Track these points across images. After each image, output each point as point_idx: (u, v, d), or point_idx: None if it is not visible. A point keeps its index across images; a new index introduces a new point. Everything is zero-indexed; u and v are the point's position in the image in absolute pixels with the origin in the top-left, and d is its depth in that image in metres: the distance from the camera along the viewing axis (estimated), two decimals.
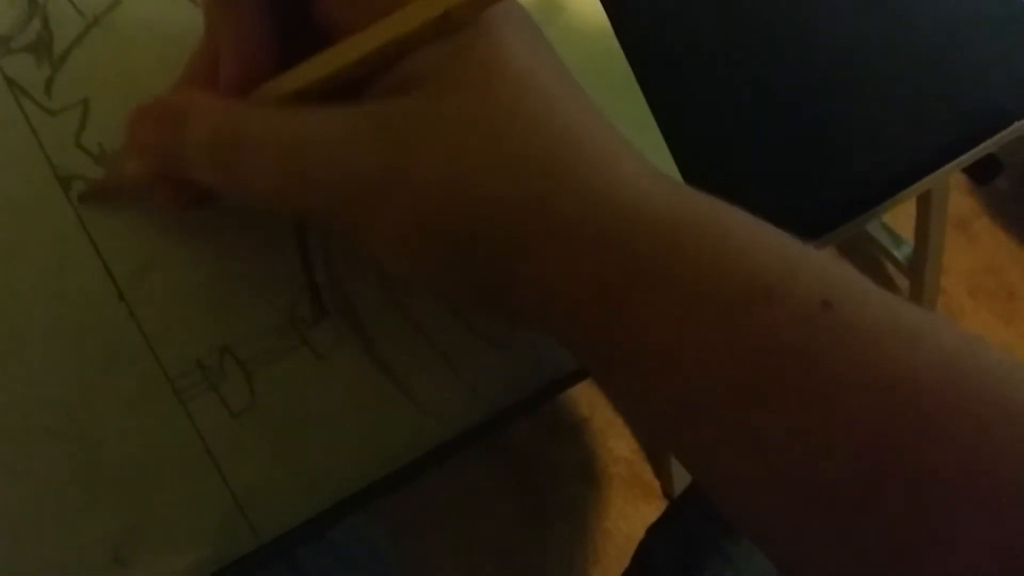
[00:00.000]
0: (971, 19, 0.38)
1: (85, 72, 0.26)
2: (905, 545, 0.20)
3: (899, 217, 1.16)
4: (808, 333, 0.21)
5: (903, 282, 1.18)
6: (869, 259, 1.22)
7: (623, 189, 0.22)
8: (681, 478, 1.06)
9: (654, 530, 0.48)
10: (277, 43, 0.24)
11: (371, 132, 0.22)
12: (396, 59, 0.22)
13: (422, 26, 0.21)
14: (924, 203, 1.05)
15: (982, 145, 0.37)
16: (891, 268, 1.21)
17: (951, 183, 1.14)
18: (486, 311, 0.26)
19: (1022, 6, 0.38)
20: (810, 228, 0.35)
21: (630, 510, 1.08)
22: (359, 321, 0.28)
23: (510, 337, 0.30)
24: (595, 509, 1.08)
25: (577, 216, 0.22)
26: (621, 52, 0.32)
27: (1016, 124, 0.37)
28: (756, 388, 0.21)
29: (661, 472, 1.09)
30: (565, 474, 1.10)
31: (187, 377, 0.27)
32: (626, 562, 0.50)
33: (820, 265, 0.22)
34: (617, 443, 1.12)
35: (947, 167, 0.37)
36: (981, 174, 1.19)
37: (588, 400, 1.13)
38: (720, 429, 0.22)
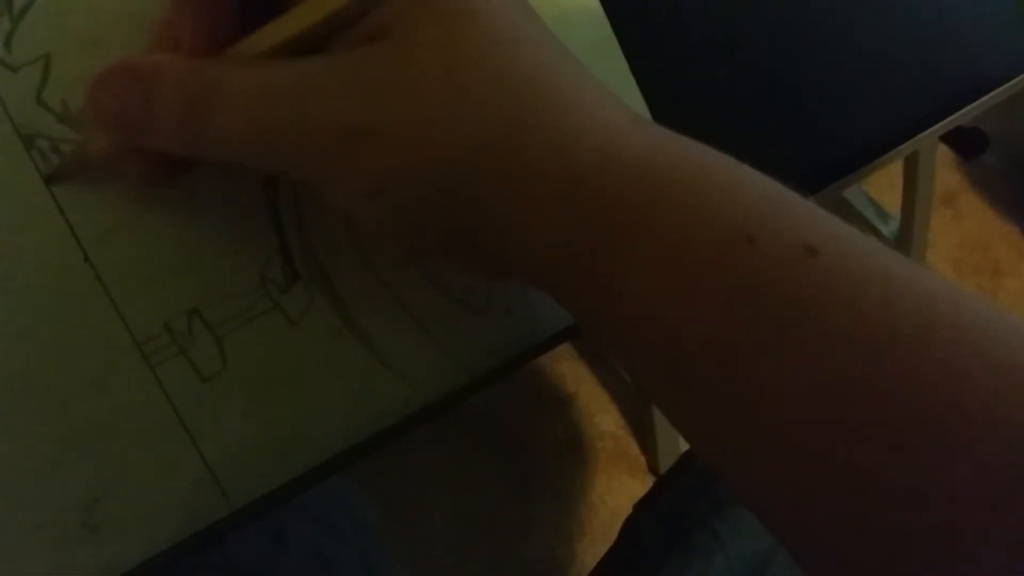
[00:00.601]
0: None
1: (46, 26, 0.26)
2: (884, 496, 0.20)
3: (885, 192, 1.17)
4: (791, 277, 0.21)
5: None
6: None
7: (597, 133, 0.22)
8: (667, 453, 1.07)
9: (641, 505, 0.48)
10: (240, 5, 0.23)
11: (340, 83, 0.22)
12: (362, 14, 0.22)
13: None
14: (910, 178, 1.05)
15: (957, 113, 0.37)
16: None
17: (938, 158, 1.14)
18: (459, 265, 0.26)
19: None
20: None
21: (616, 485, 1.08)
22: (332, 286, 0.28)
23: (486, 302, 0.29)
24: (581, 484, 1.08)
25: (549, 164, 0.22)
26: (604, 16, 0.31)
27: (992, 92, 0.37)
28: (739, 331, 0.21)
29: (647, 447, 1.09)
30: (551, 449, 1.10)
31: (155, 341, 0.26)
32: (612, 536, 0.50)
33: (804, 210, 0.22)
34: (603, 418, 1.12)
35: (923, 135, 0.37)
36: (968, 149, 1.19)
37: (574, 376, 1.13)
38: (703, 374, 0.22)
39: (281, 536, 0.46)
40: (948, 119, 0.38)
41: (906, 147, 0.37)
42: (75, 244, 0.26)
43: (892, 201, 1.12)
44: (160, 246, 0.26)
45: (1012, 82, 0.39)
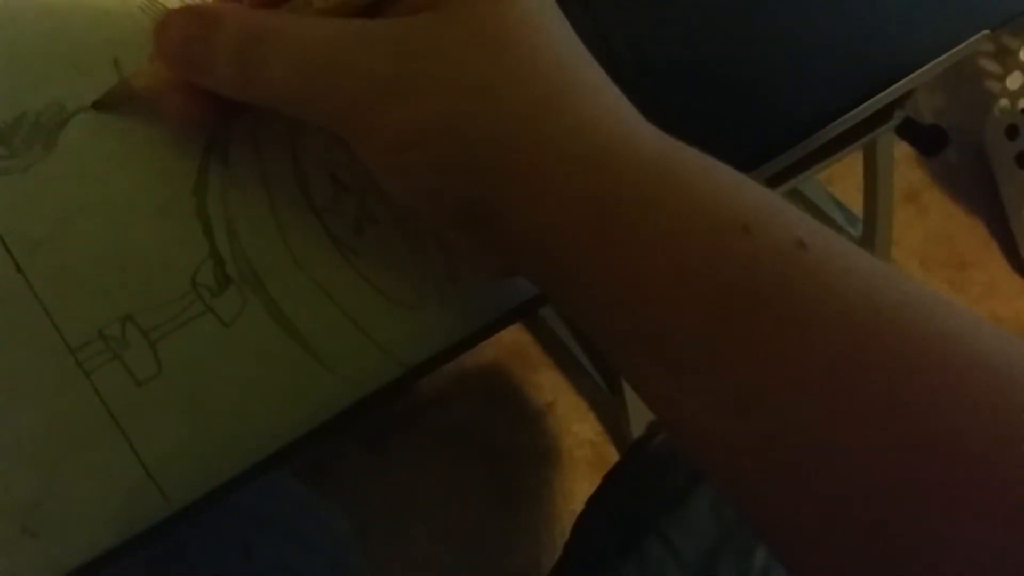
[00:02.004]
0: None
1: None
2: (866, 482, 0.21)
3: (851, 192, 1.18)
4: (784, 266, 0.22)
5: None
6: None
7: (613, 119, 0.24)
8: None
9: (591, 502, 0.49)
10: None
11: (383, 41, 0.24)
12: None
13: None
14: (870, 175, 1.06)
15: (876, 98, 0.38)
16: None
17: (899, 156, 1.16)
18: (467, 243, 0.27)
19: None
20: None
21: None
22: (264, 287, 0.29)
23: (418, 296, 0.30)
24: (561, 492, 1.08)
25: (568, 141, 0.23)
26: None
27: (910, 76, 0.38)
28: (730, 313, 0.22)
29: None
30: (531, 459, 1.10)
31: (89, 347, 0.27)
32: None
33: (795, 210, 0.24)
34: (581, 427, 1.12)
35: (841, 120, 0.38)
36: (928, 146, 1.21)
37: (552, 385, 1.14)
38: (693, 356, 0.23)
39: (248, 550, 0.47)
40: (863, 105, 0.39)
41: (825, 132, 0.38)
42: (6, 254, 0.26)
43: (859, 203, 1.14)
44: (91, 254, 0.27)
45: (934, 61, 0.40)
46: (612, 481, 0.51)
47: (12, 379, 0.26)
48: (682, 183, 0.23)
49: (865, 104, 0.38)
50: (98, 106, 0.28)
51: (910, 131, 1.16)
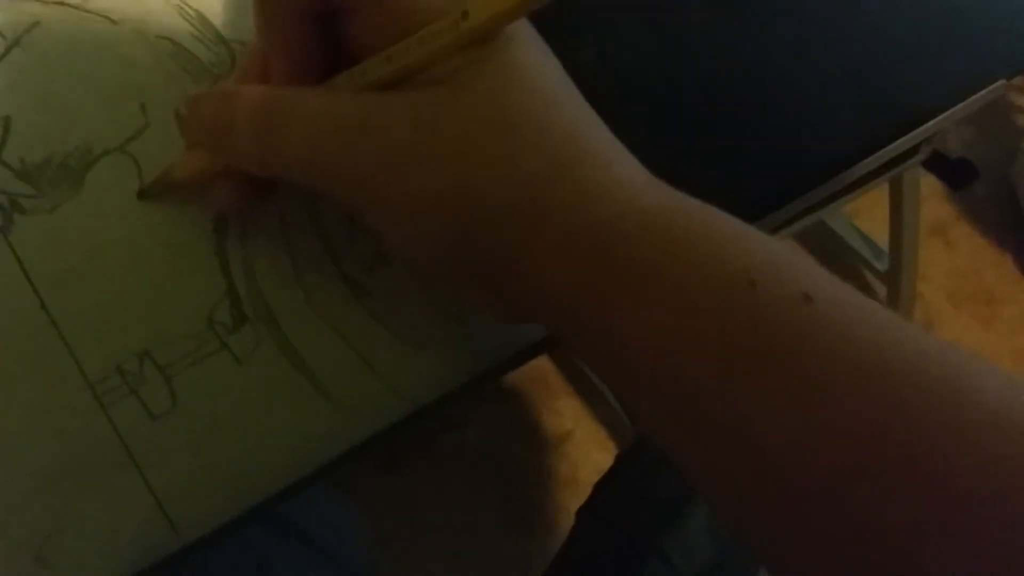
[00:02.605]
0: (892, 18, 0.39)
1: (5, 90, 0.27)
2: (878, 535, 0.21)
3: (877, 225, 1.17)
4: (791, 320, 0.22)
5: (881, 289, 1.18)
6: (848, 269, 1.23)
7: (620, 187, 0.25)
8: None
9: (583, 513, 0.49)
10: (320, 55, 0.27)
11: (397, 115, 0.24)
12: (427, 65, 0.25)
13: (446, 45, 0.24)
14: (896, 208, 1.06)
15: (903, 139, 0.38)
16: (870, 276, 1.22)
17: (927, 190, 1.15)
18: (482, 299, 0.28)
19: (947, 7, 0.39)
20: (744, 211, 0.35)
21: None
22: (278, 326, 0.29)
23: (428, 336, 0.30)
24: None
25: (577, 209, 0.24)
26: None
27: (932, 121, 0.38)
28: (740, 369, 0.22)
29: None
30: (549, 486, 1.10)
31: (107, 382, 0.28)
32: None
33: (800, 262, 0.24)
34: (600, 455, 1.12)
35: (868, 160, 0.38)
36: (956, 180, 1.20)
37: (572, 413, 1.14)
38: (704, 413, 0.23)
39: (267, 560, 0.47)
40: (899, 141, 0.39)
41: (862, 167, 0.38)
42: (31, 290, 0.27)
43: (886, 237, 1.13)
44: (113, 291, 0.28)
45: (964, 103, 0.40)
46: (604, 491, 0.51)
47: (32, 411, 0.27)
48: (687, 243, 0.24)
49: (892, 145, 0.38)
50: (142, 196, 0.29)
51: (938, 165, 1.16)
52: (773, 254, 0.24)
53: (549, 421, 1.14)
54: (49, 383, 0.27)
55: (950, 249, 1.24)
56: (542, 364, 1.15)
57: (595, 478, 1.11)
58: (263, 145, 0.26)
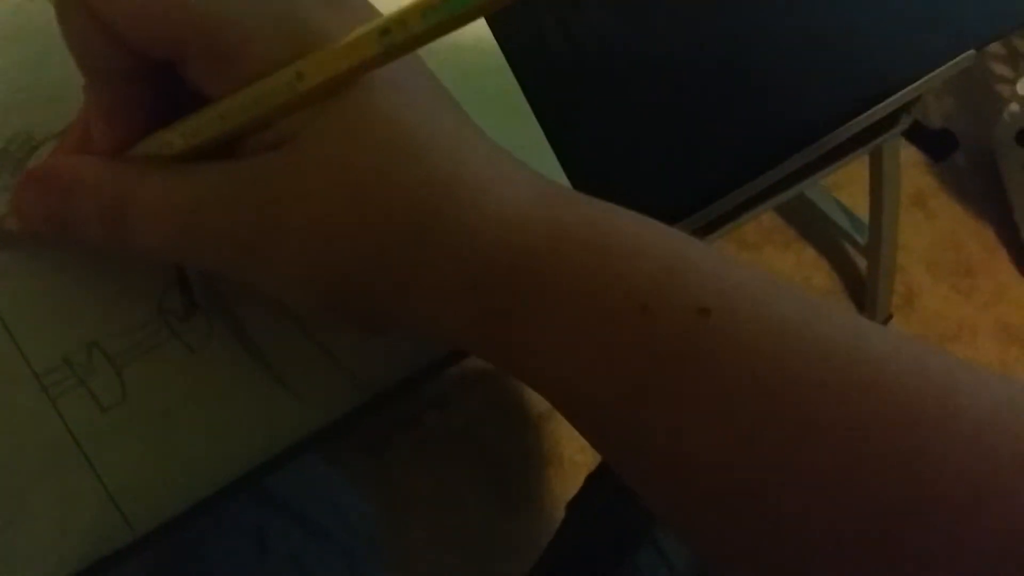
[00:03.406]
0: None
1: None
2: (789, 546, 0.21)
3: (857, 197, 1.17)
4: (685, 341, 0.22)
5: (862, 262, 1.18)
6: (829, 242, 1.23)
7: (496, 227, 0.23)
8: None
9: (575, 506, 0.49)
10: (147, 109, 0.25)
11: (246, 190, 0.23)
12: (267, 123, 0.23)
13: (283, 104, 0.22)
14: (876, 181, 1.06)
15: (880, 105, 0.37)
16: (850, 249, 1.22)
17: (907, 160, 1.15)
18: (387, 336, 0.28)
19: None
20: (714, 187, 0.35)
21: None
22: (231, 313, 0.29)
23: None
24: (562, 498, 1.08)
25: (447, 261, 0.23)
26: (507, 66, 0.32)
27: (904, 90, 0.38)
28: (637, 395, 0.22)
29: None
30: (531, 463, 1.10)
31: (55, 373, 0.27)
32: None
33: (699, 268, 0.23)
34: None
35: (845, 127, 0.38)
36: (937, 151, 1.20)
37: None
38: (613, 434, 0.23)
39: (261, 539, 0.47)
40: (876, 107, 0.39)
41: (840, 133, 0.38)
42: None
43: (866, 209, 1.13)
44: (58, 279, 0.27)
45: (941, 68, 0.39)
46: (596, 484, 0.50)
47: None
48: (575, 273, 0.23)
49: (869, 111, 0.38)
50: None
51: (918, 135, 1.15)
52: (669, 267, 0.23)
53: (531, 400, 1.14)
54: None
55: (930, 220, 1.24)
56: None
57: (578, 456, 1.12)
58: (117, 237, 0.24)
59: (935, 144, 1.18)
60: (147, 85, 0.24)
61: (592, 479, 0.52)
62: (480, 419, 1.12)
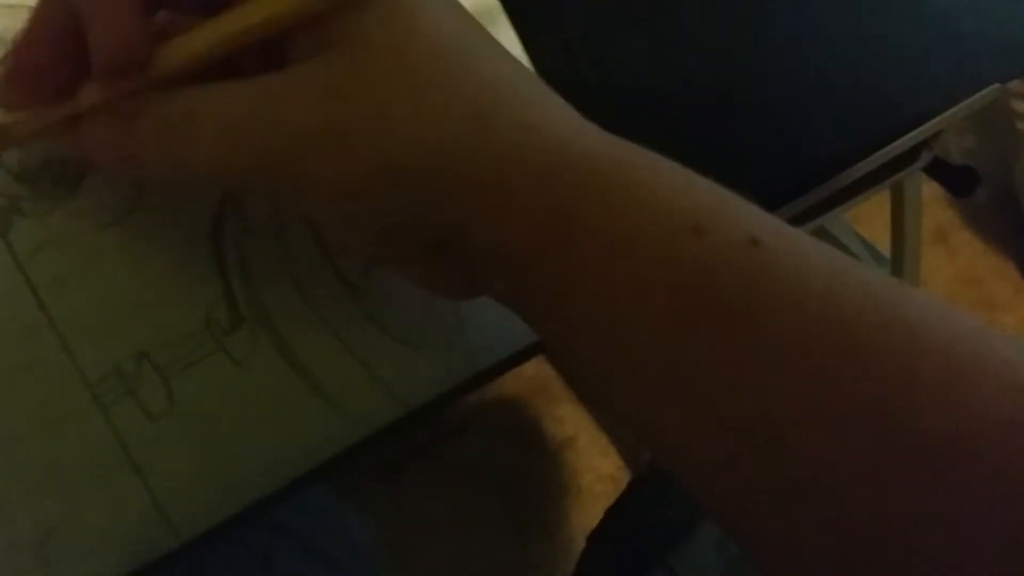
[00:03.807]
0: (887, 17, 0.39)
1: None
2: (833, 482, 0.21)
3: (878, 232, 1.17)
4: (738, 265, 0.22)
5: None
6: None
7: (553, 128, 0.23)
8: None
9: (594, 537, 0.49)
10: (144, 11, 0.24)
11: (301, 94, 0.23)
12: (315, 22, 0.23)
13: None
14: (898, 216, 1.06)
15: (899, 140, 0.38)
16: None
17: (929, 196, 1.15)
18: (430, 274, 0.27)
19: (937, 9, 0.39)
20: None
21: None
22: (275, 327, 0.29)
23: (424, 337, 0.31)
24: (580, 527, 1.08)
25: (509, 157, 0.23)
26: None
27: (927, 124, 0.38)
28: (688, 317, 0.22)
29: None
30: (549, 493, 1.10)
31: (105, 383, 0.28)
32: None
33: (749, 207, 0.23)
34: (602, 461, 1.12)
35: (865, 162, 0.38)
36: (959, 187, 1.20)
37: (573, 419, 1.14)
38: (655, 364, 0.23)
39: (267, 564, 0.47)
40: (896, 143, 0.39)
41: (859, 168, 0.39)
42: (29, 292, 0.28)
43: (887, 243, 1.13)
44: (110, 292, 0.28)
45: (959, 105, 0.40)
46: (614, 516, 0.51)
47: (31, 411, 0.27)
48: (633, 186, 0.23)
49: (888, 147, 0.38)
50: None
51: (940, 171, 1.16)
52: (720, 200, 0.23)
53: (550, 428, 1.14)
54: (48, 383, 0.28)
55: (952, 256, 1.24)
56: (543, 371, 1.15)
57: (597, 485, 1.11)
58: (175, 158, 0.24)
59: (956, 180, 1.18)
60: None
61: (612, 511, 0.53)
62: (498, 446, 1.12)
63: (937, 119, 0.40)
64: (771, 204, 0.36)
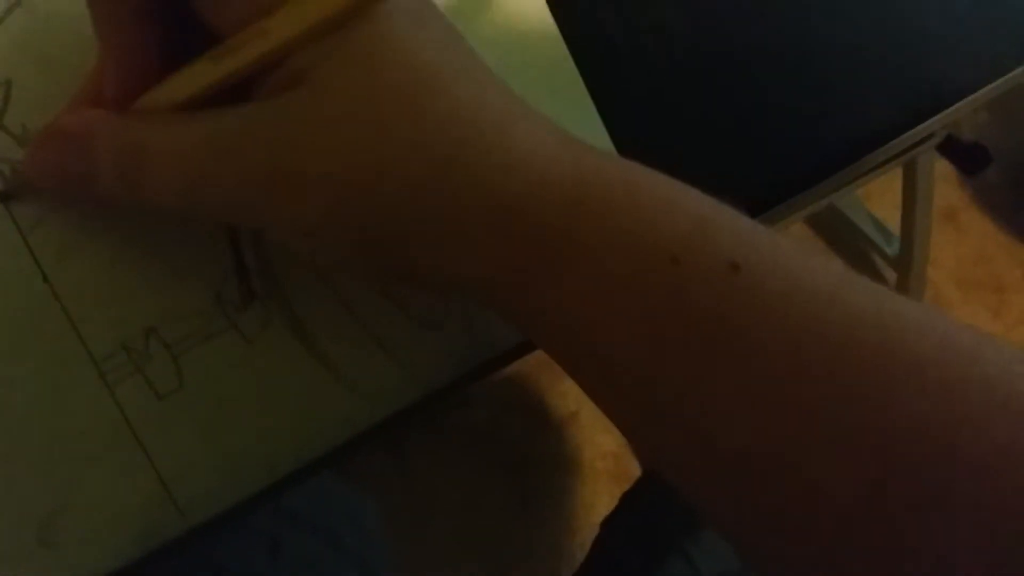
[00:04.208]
0: None
1: (7, 53, 0.26)
2: (812, 512, 0.20)
3: (888, 209, 1.16)
4: (716, 295, 0.21)
5: (891, 275, 1.17)
6: (858, 253, 1.22)
7: (522, 166, 0.22)
8: None
9: (609, 523, 0.48)
10: (158, 51, 0.24)
11: (260, 132, 0.22)
12: (281, 59, 0.22)
13: (299, 33, 0.21)
14: (909, 193, 1.04)
15: (923, 124, 0.37)
16: (880, 262, 1.20)
17: (939, 174, 1.14)
18: (407, 288, 0.27)
19: None
20: (757, 200, 0.35)
21: None
22: (288, 304, 0.28)
23: (444, 317, 0.29)
24: (582, 503, 1.08)
25: (474, 201, 0.22)
26: (556, 29, 0.31)
27: (958, 104, 0.37)
28: (668, 354, 0.21)
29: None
30: (552, 468, 1.10)
31: (112, 359, 0.27)
32: None
33: (730, 227, 0.22)
34: (604, 438, 1.11)
35: (886, 147, 0.37)
36: (969, 165, 1.18)
37: (576, 395, 1.13)
38: (636, 398, 0.23)
39: (275, 546, 0.47)
40: (921, 126, 0.38)
41: (884, 151, 0.38)
42: (32, 262, 0.26)
43: (895, 219, 1.12)
44: (118, 265, 0.27)
45: (983, 90, 0.39)
46: (630, 502, 0.50)
47: (35, 388, 0.26)
48: (605, 219, 0.22)
49: (911, 131, 0.37)
50: (4, 199, 0.26)
51: (952, 149, 1.14)
52: (700, 221, 0.22)
53: (554, 403, 1.13)
54: (52, 359, 0.26)
55: (960, 235, 1.23)
56: None
57: (599, 462, 1.11)
58: (131, 189, 0.23)
59: (967, 158, 1.17)
60: (157, 26, 0.24)
61: (628, 496, 0.52)
62: (502, 420, 1.11)
63: (967, 99, 0.39)
64: (788, 191, 0.35)
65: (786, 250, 0.22)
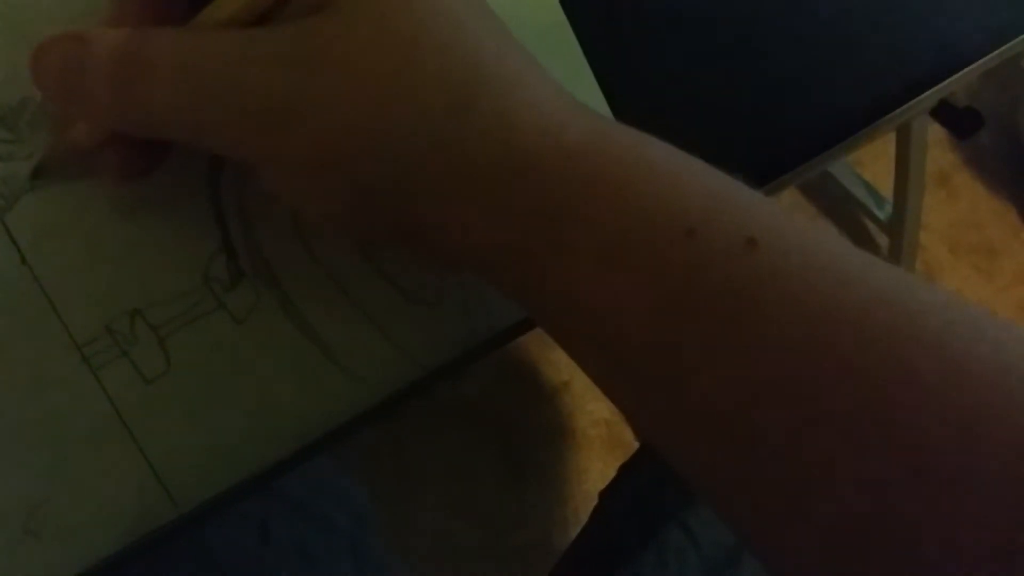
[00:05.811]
0: None
1: None
2: (830, 489, 0.20)
3: (881, 176, 1.15)
4: (732, 271, 0.21)
5: (883, 239, 1.17)
6: (850, 218, 1.22)
7: (537, 119, 0.22)
8: None
9: (607, 494, 0.48)
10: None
11: (275, 55, 0.21)
12: None
13: None
14: (902, 158, 1.04)
15: (922, 96, 0.36)
16: (872, 227, 1.20)
17: (931, 138, 1.13)
18: (402, 252, 0.26)
19: None
20: (759, 172, 0.34)
21: (610, 472, 1.07)
22: (278, 282, 0.27)
23: (440, 295, 0.29)
24: (575, 471, 1.08)
25: (488, 152, 0.21)
26: (566, 23, 0.30)
27: (965, 69, 0.36)
28: (677, 325, 0.21)
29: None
30: (544, 437, 1.10)
31: (97, 343, 0.26)
32: None
33: (746, 201, 0.22)
34: (597, 405, 1.11)
35: (902, 108, 0.36)
36: (962, 129, 1.18)
37: (568, 363, 1.13)
38: (646, 368, 0.22)
39: (265, 530, 0.46)
40: (921, 96, 0.38)
41: (886, 120, 0.37)
42: (11, 244, 0.25)
43: (887, 184, 1.11)
44: (100, 245, 0.26)
45: (986, 57, 0.38)
46: (628, 473, 0.50)
47: (16, 375, 0.25)
48: (614, 188, 0.21)
49: (911, 103, 0.36)
50: (37, 175, 0.25)
51: (944, 113, 1.13)
52: (715, 196, 0.22)
53: (546, 372, 1.13)
54: (34, 344, 0.25)
55: (952, 199, 1.23)
56: None
57: (591, 429, 1.11)
58: (123, 96, 0.22)
59: (960, 122, 1.16)
60: None
61: (627, 467, 0.52)
62: (493, 390, 1.11)
63: (971, 67, 0.38)
64: (786, 165, 0.35)
65: (801, 227, 0.21)
